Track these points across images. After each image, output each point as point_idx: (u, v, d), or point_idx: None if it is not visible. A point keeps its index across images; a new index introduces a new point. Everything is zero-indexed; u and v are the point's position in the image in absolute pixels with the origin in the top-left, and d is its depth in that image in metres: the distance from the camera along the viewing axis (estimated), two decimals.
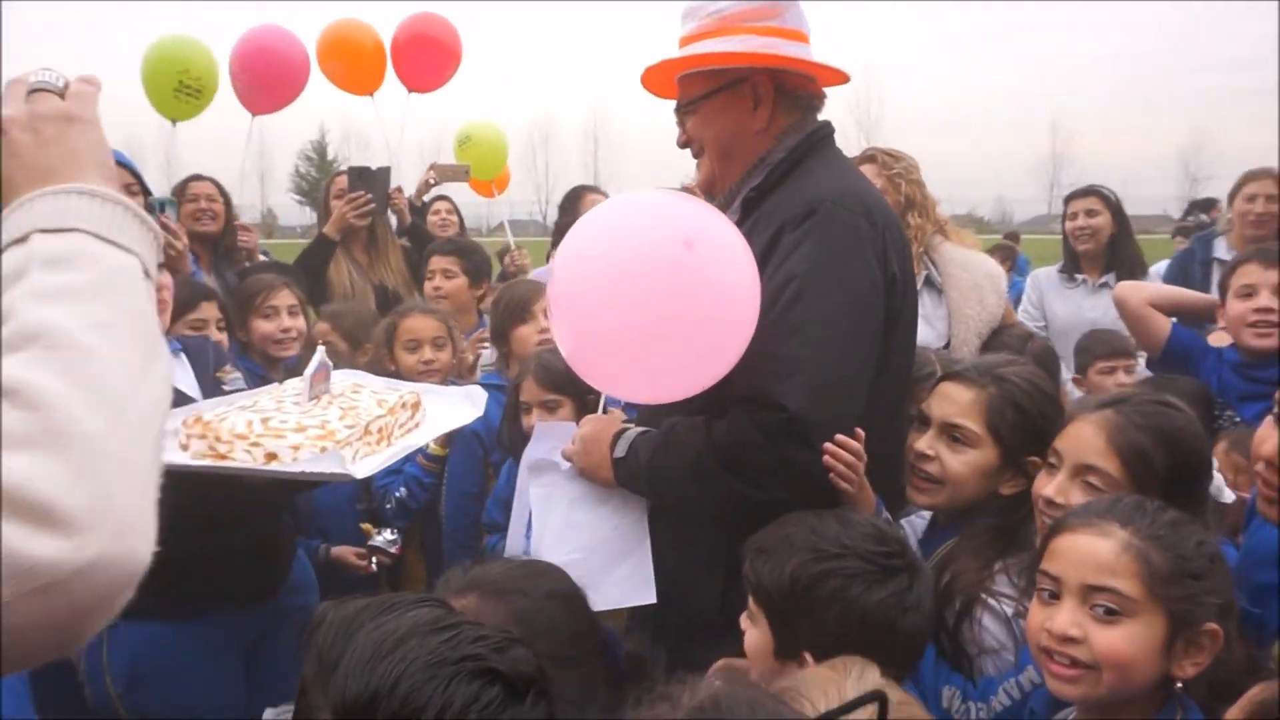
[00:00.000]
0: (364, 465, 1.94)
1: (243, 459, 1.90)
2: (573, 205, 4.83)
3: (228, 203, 4.50)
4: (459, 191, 6.85)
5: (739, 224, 1.97)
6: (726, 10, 1.93)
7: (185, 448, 1.97)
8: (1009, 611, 1.74)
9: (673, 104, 2.13)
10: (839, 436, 1.77)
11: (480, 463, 3.16)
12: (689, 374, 1.84)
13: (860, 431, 1.80)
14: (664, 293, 1.74)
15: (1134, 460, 1.62)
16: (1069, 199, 4.67)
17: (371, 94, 5.32)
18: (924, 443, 1.96)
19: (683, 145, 2.13)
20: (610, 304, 1.78)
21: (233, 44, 4.58)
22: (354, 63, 5.11)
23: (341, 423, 1.98)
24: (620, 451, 1.97)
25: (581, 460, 2.04)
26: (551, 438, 2.15)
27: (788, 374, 1.76)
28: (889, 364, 1.94)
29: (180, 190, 4.43)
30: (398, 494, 3.16)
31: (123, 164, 3.53)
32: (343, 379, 2.36)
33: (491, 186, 6.60)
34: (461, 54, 5.32)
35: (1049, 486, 1.71)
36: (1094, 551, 1.38)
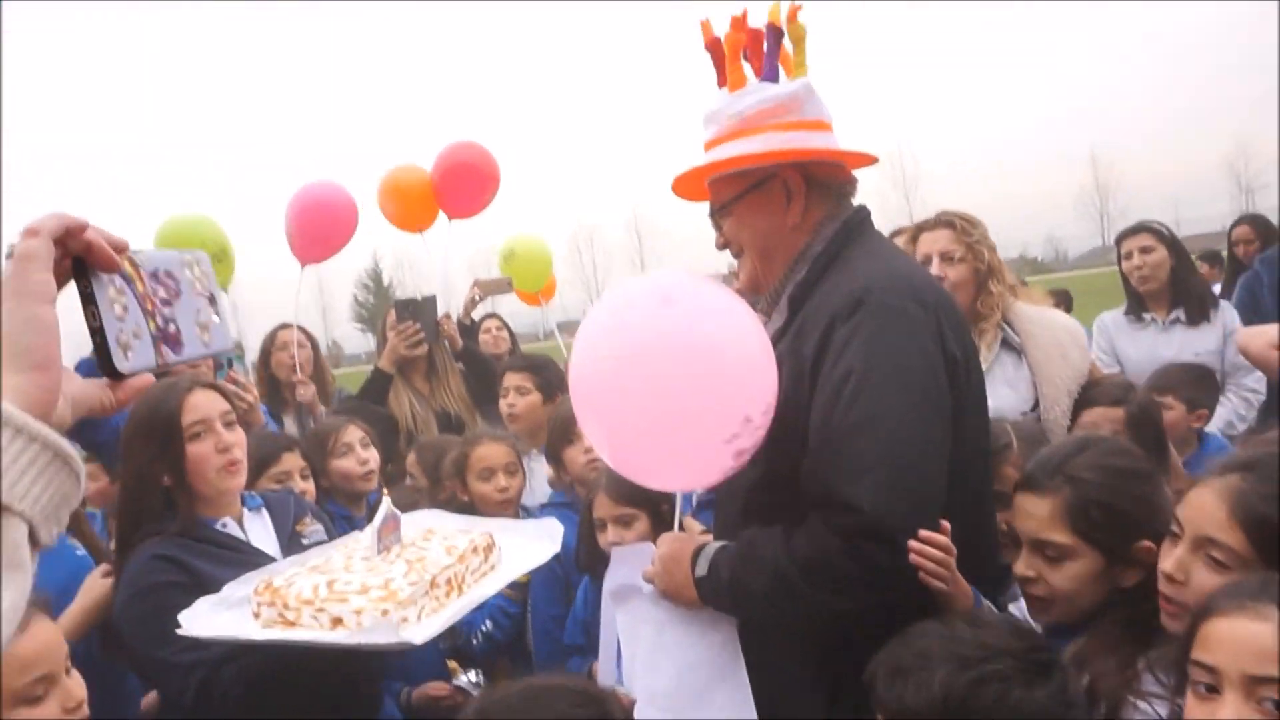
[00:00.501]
0: (427, 626, 1.88)
1: (309, 625, 1.88)
2: None
3: (315, 347, 4.69)
4: (510, 303, 6.99)
5: (788, 322, 1.94)
6: (747, 111, 1.94)
7: (257, 615, 1.96)
8: (1163, 713, 1.57)
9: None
10: (923, 532, 1.68)
11: (563, 585, 3.10)
12: (710, 443, 1.80)
13: (945, 524, 1.71)
14: (649, 350, 1.77)
15: (1259, 533, 1.47)
16: (1120, 239, 4.48)
17: (424, 230, 5.53)
18: (1021, 566, 1.85)
19: (721, 247, 2.12)
20: (610, 378, 1.82)
21: (289, 199, 4.81)
22: (407, 202, 5.29)
23: (406, 579, 1.94)
24: (701, 570, 1.90)
25: (663, 582, 1.98)
26: (630, 561, 2.10)
27: (858, 473, 1.69)
28: (964, 446, 1.85)
29: (270, 339, 4.64)
30: (483, 628, 3.11)
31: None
32: (417, 523, 2.33)
33: (538, 296, 6.70)
34: (499, 177, 5.46)
35: (1168, 561, 1.57)
36: (1254, 637, 1.25)
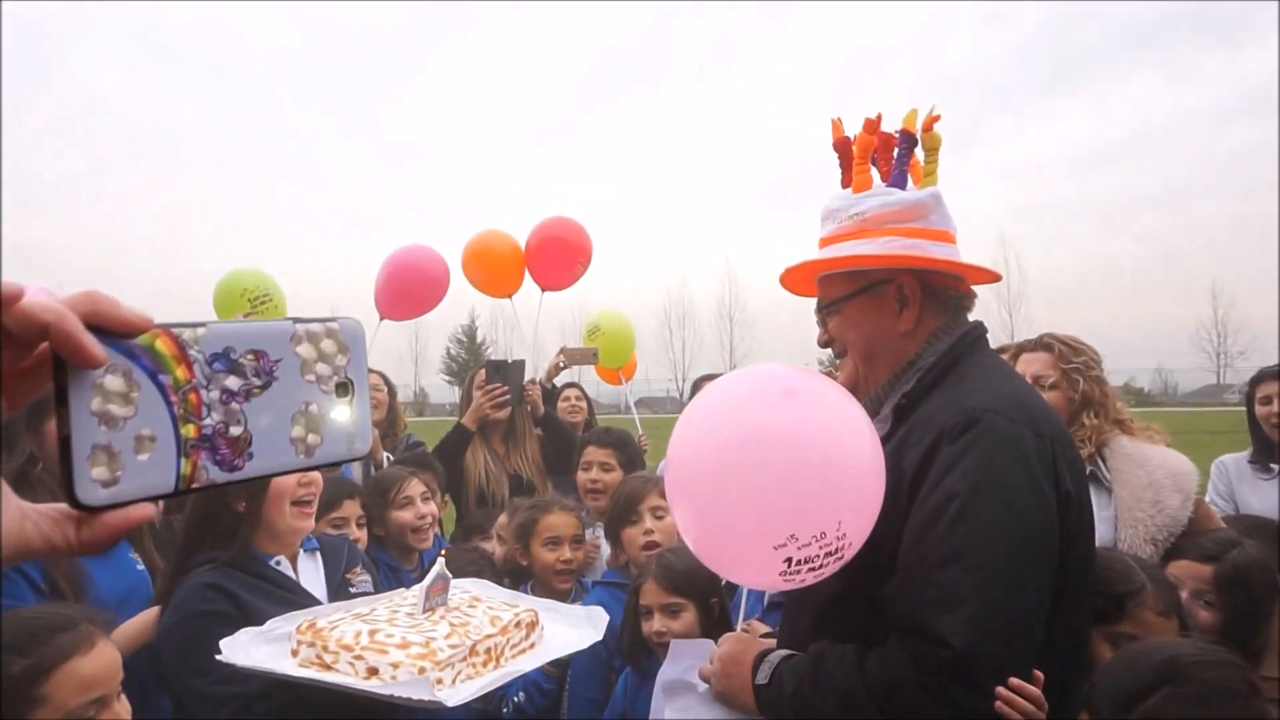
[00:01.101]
0: (461, 691, 1.84)
1: (345, 671, 1.86)
2: (694, 392, 4.92)
3: (391, 394, 4.83)
4: (591, 372, 7.05)
5: (890, 432, 1.85)
6: (868, 213, 1.89)
7: (295, 653, 1.95)
8: None
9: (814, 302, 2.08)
10: (1014, 681, 1.54)
11: (604, 667, 2.99)
12: (761, 549, 1.68)
13: (1039, 675, 1.57)
14: (770, 438, 1.66)
15: None
16: (1256, 381, 4.16)
17: (510, 296, 5.66)
18: None
19: (824, 344, 2.06)
20: (720, 468, 1.70)
21: (385, 259, 5.00)
22: (493, 269, 5.47)
23: (447, 641, 1.92)
24: (763, 678, 1.81)
25: (720, 683, 1.90)
26: (688, 656, 2.03)
27: (951, 606, 1.57)
28: (1067, 589, 1.71)
29: None
30: (516, 698, 3.02)
31: None
32: (464, 590, 2.32)
33: (619, 375, 6.74)
34: (591, 253, 5.60)
35: None
36: None
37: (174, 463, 0.65)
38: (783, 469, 1.65)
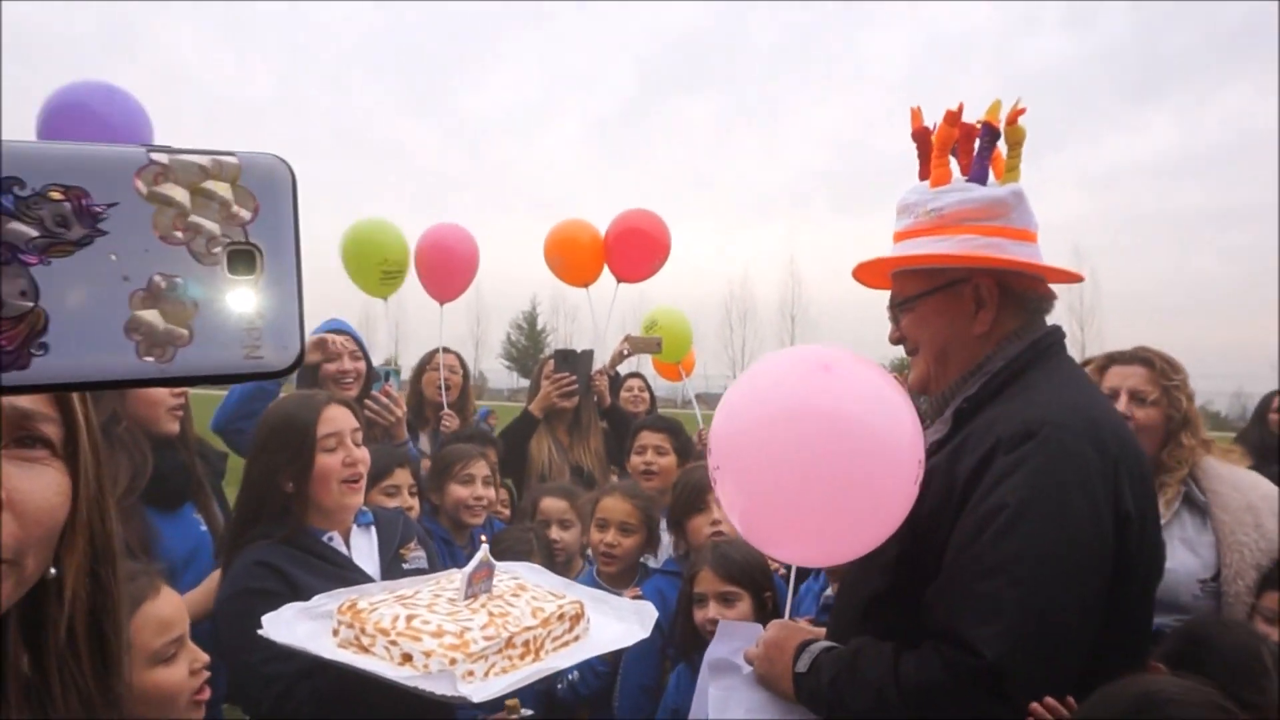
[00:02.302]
0: (489, 686, 1.80)
1: (381, 655, 1.85)
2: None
3: (465, 375, 4.91)
4: (651, 368, 7.05)
5: (948, 436, 1.80)
6: (946, 209, 1.83)
7: (335, 633, 1.95)
8: None
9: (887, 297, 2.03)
10: (1049, 700, 1.51)
11: (658, 654, 3.02)
12: (851, 518, 1.71)
13: (1071, 700, 1.52)
14: (805, 412, 1.68)
15: None
16: None
17: (588, 285, 5.69)
18: None
19: (895, 342, 2.01)
20: (758, 440, 1.73)
21: (418, 240, 5.05)
22: (574, 257, 5.46)
23: (482, 632, 1.88)
24: (802, 666, 1.81)
25: (763, 667, 1.91)
26: (736, 637, 2.06)
27: (987, 615, 1.54)
28: (1123, 617, 1.64)
29: (428, 360, 4.91)
30: (571, 676, 3.06)
31: (347, 332, 3.90)
32: (512, 576, 2.28)
33: (678, 369, 6.74)
34: (669, 246, 5.55)
35: None
36: None
37: None
38: (824, 446, 1.67)
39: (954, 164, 1.90)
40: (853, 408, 1.70)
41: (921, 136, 1.92)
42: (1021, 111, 1.83)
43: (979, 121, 1.85)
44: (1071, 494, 1.59)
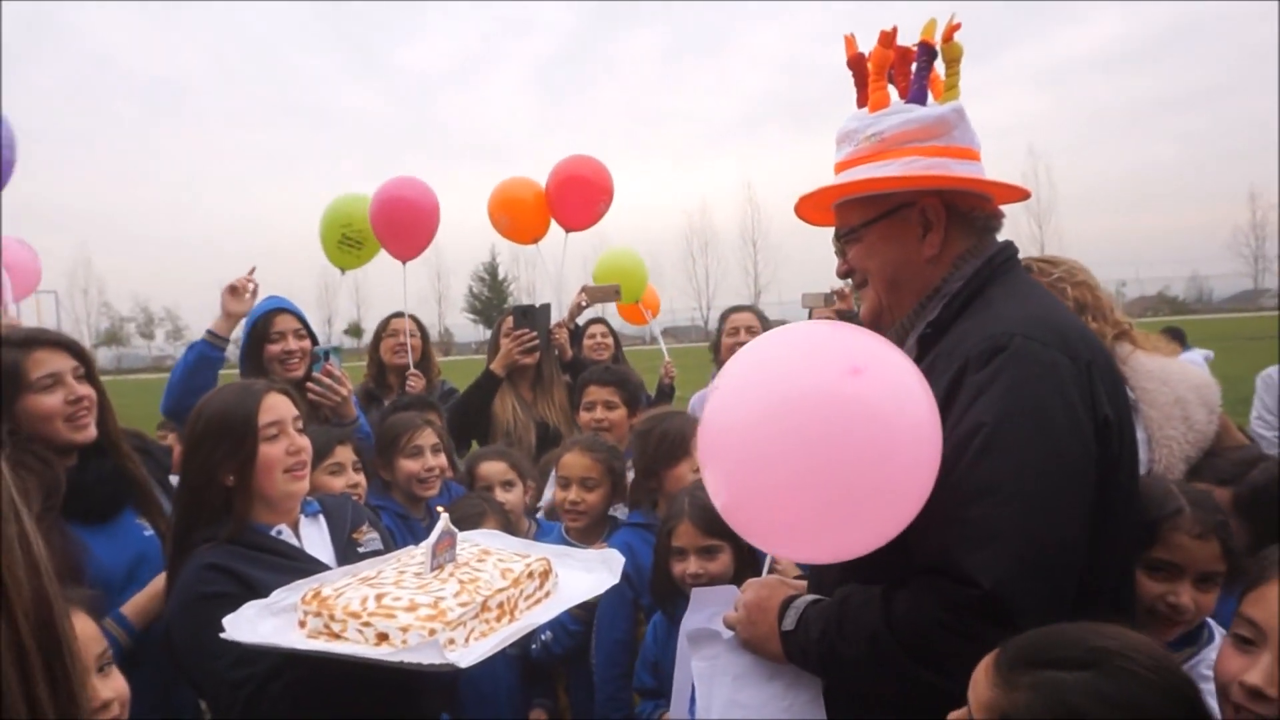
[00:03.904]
0: (473, 651, 1.78)
1: (355, 639, 1.80)
2: (723, 324, 4.96)
3: (424, 337, 4.83)
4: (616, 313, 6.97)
5: (915, 362, 1.73)
6: (887, 132, 1.75)
7: (303, 625, 1.89)
8: None
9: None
10: None
11: (631, 607, 2.99)
12: (861, 527, 1.58)
13: None
14: (829, 426, 1.50)
15: None
16: None
17: (536, 241, 5.57)
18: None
19: (843, 275, 1.94)
20: (768, 444, 1.55)
21: (372, 197, 4.90)
22: (518, 216, 5.40)
23: (456, 600, 1.85)
24: (789, 624, 1.74)
25: (746, 630, 1.84)
26: (711, 603, 1.98)
27: (980, 542, 1.48)
28: (1108, 519, 1.61)
29: (384, 326, 4.83)
30: (544, 636, 3.04)
31: (290, 310, 3.76)
32: (473, 544, 2.24)
33: (640, 310, 6.66)
34: (611, 189, 5.47)
35: (1254, 673, 1.31)
36: None
37: None
38: (842, 463, 1.51)
39: (892, 89, 1.82)
40: (884, 421, 1.53)
41: (857, 63, 1.84)
42: (956, 27, 1.76)
43: (914, 43, 1.78)
44: (1050, 404, 1.54)
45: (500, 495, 3.50)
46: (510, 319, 4.61)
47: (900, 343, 1.82)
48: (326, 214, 4.87)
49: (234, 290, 3.61)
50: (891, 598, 1.58)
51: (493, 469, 3.61)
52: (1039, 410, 1.54)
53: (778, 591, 1.84)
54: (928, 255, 1.79)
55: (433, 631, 1.76)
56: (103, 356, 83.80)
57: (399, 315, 4.77)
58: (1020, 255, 2.84)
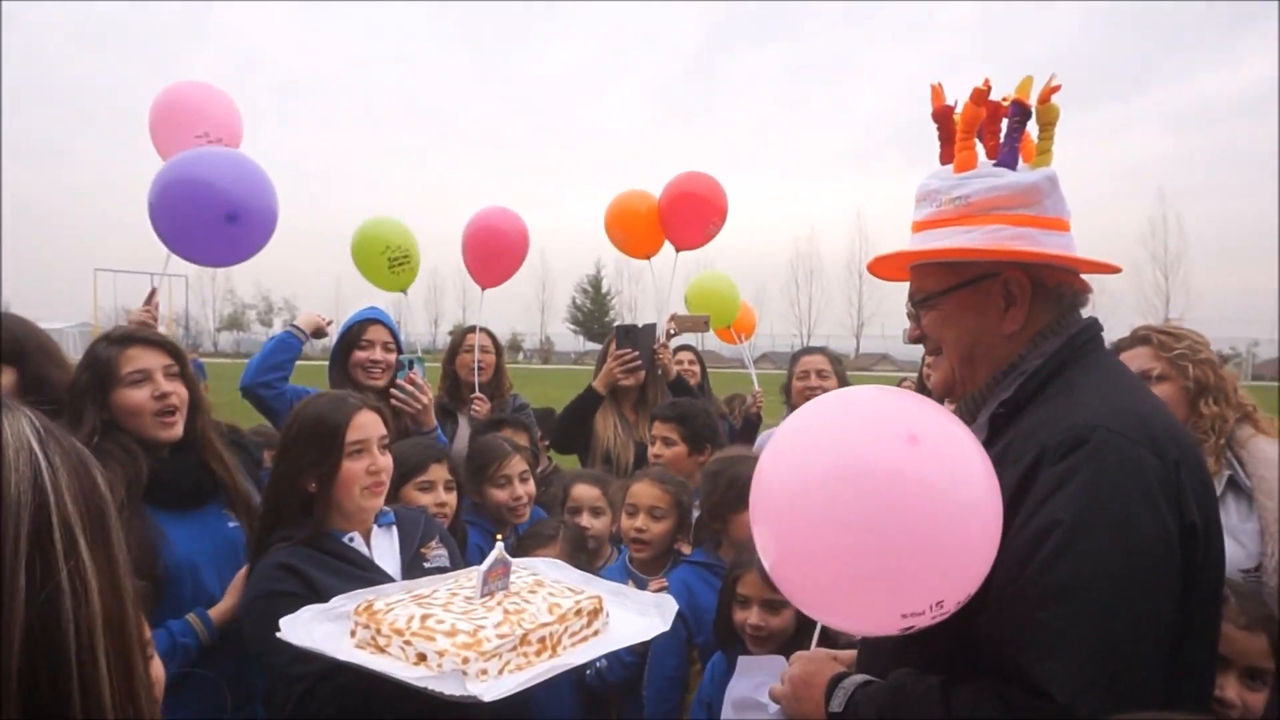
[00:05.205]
0: (502, 684, 1.78)
1: (397, 655, 1.86)
2: (793, 365, 4.87)
3: (498, 352, 4.85)
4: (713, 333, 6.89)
5: (986, 444, 1.64)
6: (973, 197, 1.67)
7: (353, 634, 1.96)
8: None
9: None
10: None
11: (684, 645, 2.98)
12: (913, 600, 1.49)
13: None
14: (884, 495, 1.45)
15: None
16: None
17: (649, 257, 5.54)
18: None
19: (914, 340, 1.86)
20: (820, 509, 1.50)
21: (466, 225, 4.94)
22: (633, 231, 5.37)
23: (496, 630, 1.87)
24: (837, 705, 1.67)
25: (791, 707, 1.78)
26: (758, 673, 1.97)
27: (1050, 650, 1.38)
28: (1191, 632, 1.49)
29: (459, 339, 4.86)
30: (599, 664, 3.04)
31: (382, 322, 3.90)
32: (531, 573, 2.27)
33: (733, 333, 6.58)
34: (726, 209, 5.37)
35: None
36: None
37: None
38: (899, 534, 1.45)
39: (979, 148, 1.74)
40: (942, 494, 1.46)
41: (943, 116, 1.76)
42: (1055, 89, 1.67)
43: (1006, 99, 1.70)
44: (1133, 507, 1.43)
45: (587, 520, 3.55)
46: (614, 339, 4.64)
47: (970, 418, 1.75)
48: (360, 246, 4.79)
49: (317, 329, 3.98)
50: (951, 694, 1.50)
51: (586, 494, 3.64)
52: (1121, 511, 1.43)
53: (825, 668, 1.78)
54: (1008, 331, 1.70)
55: (466, 660, 1.78)
56: (224, 340, 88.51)
57: (473, 329, 4.78)
58: (1141, 325, 2.73)
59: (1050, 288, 1.70)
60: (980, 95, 1.72)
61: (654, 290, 5.76)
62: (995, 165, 1.70)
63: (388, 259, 4.68)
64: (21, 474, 0.77)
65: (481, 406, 4.56)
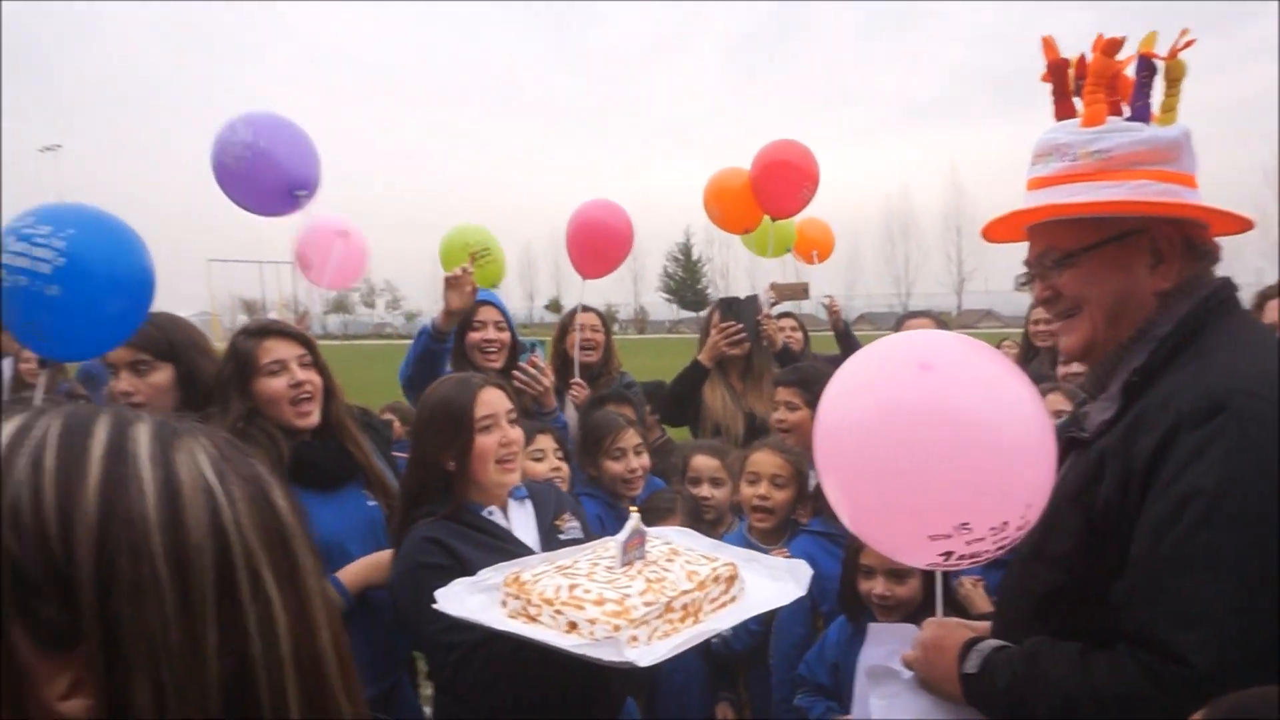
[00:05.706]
0: (654, 650, 1.86)
1: (548, 624, 1.94)
2: (898, 329, 4.73)
3: (608, 331, 4.86)
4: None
5: (1119, 414, 1.63)
6: (1114, 151, 1.62)
7: (504, 605, 2.06)
8: None
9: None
10: None
11: (808, 612, 3.02)
12: (936, 522, 1.66)
13: None
14: (894, 420, 1.65)
15: None
16: None
17: (749, 231, 5.52)
18: None
19: (1044, 300, 1.79)
20: (851, 445, 1.72)
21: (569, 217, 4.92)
22: (730, 206, 5.34)
23: (642, 598, 1.94)
24: (972, 667, 1.69)
25: (924, 670, 1.81)
26: (889, 640, 1.97)
27: (1192, 620, 1.38)
28: None
29: (568, 319, 4.83)
30: (724, 632, 3.09)
31: (493, 303, 4.02)
32: (664, 542, 2.33)
33: (811, 254, 6.38)
34: (818, 176, 5.28)
35: None
36: None
37: None
38: (908, 457, 1.61)
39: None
40: (959, 402, 1.63)
41: (1058, 70, 1.71)
42: (1189, 43, 1.62)
43: (1132, 55, 1.65)
44: (1276, 472, 1.40)
45: (707, 490, 3.62)
46: (717, 312, 4.66)
47: (1099, 389, 1.73)
48: (446, 254, 4.86)
49: (451, 283, 3.69)
50: (1091, 660, 1.51)
51: (705, 464, 3.70)
52: (1265, 480, 1.40)
53: (957, 633, 1.79)
54: (1160, 288, 1.66)
55: (617, 627, 1.85)
56: (331, 323, 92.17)
57: (585, 309, 4.75)
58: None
59: (1197, 245, 1.66)
60: (1112, 47, 1.67)
61: (747, 257, 5.70)
62: (1130, 119, 1.66)
63: (470, 255, 4.81)
64: (198, 518, 0.73)
65: (580, 392, 4.56)
